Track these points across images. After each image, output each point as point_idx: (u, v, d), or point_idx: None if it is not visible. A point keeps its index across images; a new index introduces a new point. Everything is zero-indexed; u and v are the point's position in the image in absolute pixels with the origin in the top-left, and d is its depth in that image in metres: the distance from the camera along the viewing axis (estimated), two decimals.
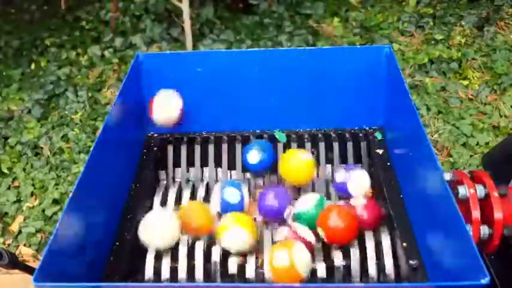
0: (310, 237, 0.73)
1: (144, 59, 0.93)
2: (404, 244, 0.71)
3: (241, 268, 0.74)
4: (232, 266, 0.74)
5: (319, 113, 0.96)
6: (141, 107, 0.95)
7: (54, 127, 2.14)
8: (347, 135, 0.95)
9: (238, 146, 0.95)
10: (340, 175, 0.84)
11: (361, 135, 0.95)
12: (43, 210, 1.80)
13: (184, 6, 2.18)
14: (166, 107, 0.88)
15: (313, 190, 0.89)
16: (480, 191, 0.81)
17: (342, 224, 0.72)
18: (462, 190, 0.81)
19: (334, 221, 0.72)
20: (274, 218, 0.81)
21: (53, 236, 0.57)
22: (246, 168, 0.91)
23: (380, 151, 0.90)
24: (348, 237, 0.73)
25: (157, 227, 0.73)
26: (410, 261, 0.68)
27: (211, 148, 0.95)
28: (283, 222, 0.80)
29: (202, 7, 2.59)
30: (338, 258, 0.73)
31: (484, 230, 0.80)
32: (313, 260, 0.72)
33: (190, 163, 0.95)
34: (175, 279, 0.74)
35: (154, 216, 0.75)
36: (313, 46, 2.34)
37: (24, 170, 1.98)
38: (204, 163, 0.95)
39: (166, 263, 0.74)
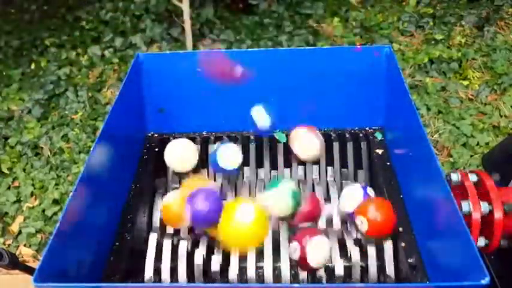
0: None
1: (144, 59, 0.93)
2: (403, 244, 0.71)
3: (242, 269, 0.74)
4: (233, 266, 0.74)
5: (319, 113, 0.96)
6: (141, 107, 0.96)
7: (54, 127, 2.14)
8: (347, 135, 0.95)
9: (238, 146, 0.95)
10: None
11: (361, 135, 0.95)
12: (43, 211, 1.80)
13: (185, 6, 2.18)
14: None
15: (313, 189, 0.89)
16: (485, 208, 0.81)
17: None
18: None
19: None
20: (204, 223, 0.73)
21: (53, 236, 0.57)
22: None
23: (380, 151, 0.90)
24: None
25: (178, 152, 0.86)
26: (409, 260, 0.68)
27: (211, 148, 0.95)
28: None
29: (202, 7, 2.59)
30: (337, 259, 0.73)
31: (481, 242, 0.81)
32: None
33: None
34: (176, 279, 0.74)
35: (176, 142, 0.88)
36: (313, 46, 2.34)
37: (24, 170, 1.98)
38: (203, 163, 0.95)
39: (166, 263, 0.74)
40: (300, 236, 0.70)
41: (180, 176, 0.95)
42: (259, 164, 0.94)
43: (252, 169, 0.93)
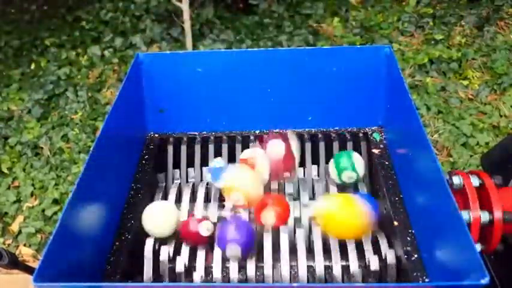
0: None
1: (144, 59, 0.93)
2: (403, 243, 0.71)
3: (242, 270, 0.74)
4: (233, 267, 0.74)
5: (319, 113, 0.96)
6: (141, 107, 0.96)
7: (54, 127, 2.14)
8: (347, 135, 0.95)
9: (238, 146, 0.95)
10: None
11: (360, 135, 0.95)
12: (43, 210, 1.80)
13: (184, 6, 2.18)
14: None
15: (313, 190, 0.89)
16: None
17: None
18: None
19: None
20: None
21: (52, 236, 0.57)
22: None
23: (380, 151, 0.90)
24: None
25: (158, 217, 0.78)
26: (409, 259, 0.69)
27: (211, 148, 0.95)
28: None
29: (202, 7, 2.59)
30: (337, 258, 0.73)
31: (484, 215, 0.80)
32: None
33: (190, 163, 0.95)
34: (175, 279, 0.74)
35: (156, 206, 0.80)
36: (313, 46, 2.34)
37: (24, 170, 1.98)
38: (204, 163, 0.95)
39: (166, 263, 0.74)
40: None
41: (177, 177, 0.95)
42: None
43: None
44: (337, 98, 0.94)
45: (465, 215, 0.79)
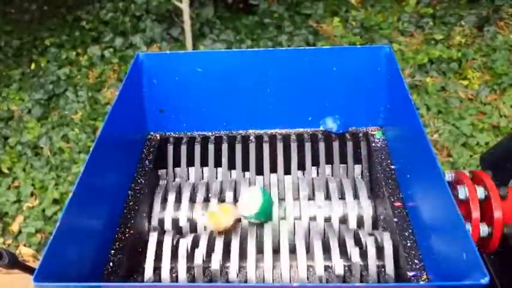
0: None
1: (144, 59, 0.93)
2: (403, 244, 0.71)
3: (242, 270, 0.74)
4: (233, 266, 0.74)
5: (319, 113, 0.96)
6: (141, 107, 0.96)
7: (54, 127, 2.14)
8: (347, 135, 0.95)
9: (238, 146, 0.95)
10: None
11: (361, 135, 0.95)
12: (43, 210, 1.80)
13: (184, 6, 2.18)
14: None
15: (313, 189, 0.89)
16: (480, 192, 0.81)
17: None
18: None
19: None
20: None
21: (53, 236, 0.57)
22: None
23: (379, 151, 0.90)
24: None
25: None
26: (409, 260, 0.69)
27: (211, 148, 0.95)
28: None
29: (202, 7, 2.59)
30: (337, 258, 0.74)
31: (484, 228, 0.80)
32: None
33: (190, 163, 0.95)
34: (175, 279, 0.74)
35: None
36: (313, 46, 2.34)
37: (24, 170, 1.98)
38: (204, 163, 0.95)
39: (166, 263, 0.74)
40: None
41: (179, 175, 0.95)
42: (259, 163, 0.94)
43: (252, 169, 0.93)
44: (337, 98, 0.94)
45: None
